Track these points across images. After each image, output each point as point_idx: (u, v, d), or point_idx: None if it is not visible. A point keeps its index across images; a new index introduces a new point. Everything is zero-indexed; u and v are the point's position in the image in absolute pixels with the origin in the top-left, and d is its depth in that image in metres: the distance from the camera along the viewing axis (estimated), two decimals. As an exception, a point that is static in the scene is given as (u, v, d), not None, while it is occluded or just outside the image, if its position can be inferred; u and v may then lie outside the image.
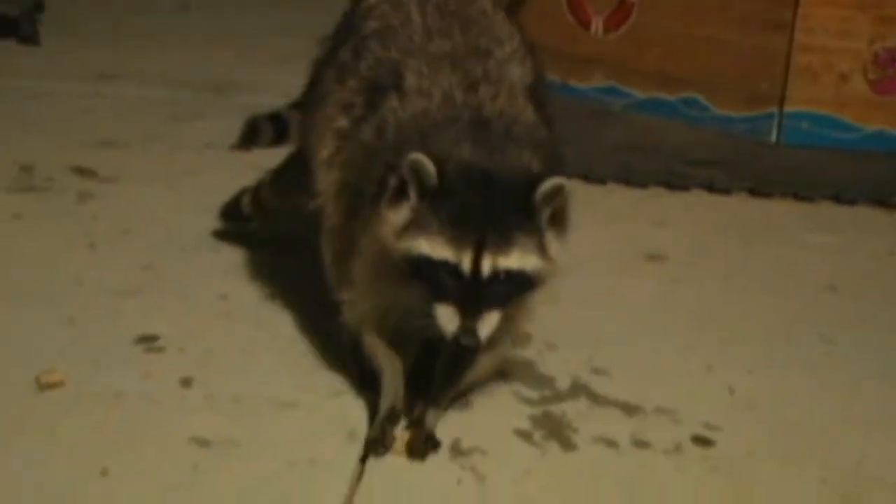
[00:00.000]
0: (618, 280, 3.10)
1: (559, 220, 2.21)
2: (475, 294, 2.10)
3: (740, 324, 2.88)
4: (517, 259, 2.12)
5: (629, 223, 3.57)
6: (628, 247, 3.36)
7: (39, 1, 5.27)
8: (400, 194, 2.16)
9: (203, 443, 2.19)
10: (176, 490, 2.05)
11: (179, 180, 3.65)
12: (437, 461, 2.20)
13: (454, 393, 2.36)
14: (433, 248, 2.11)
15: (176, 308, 2.75)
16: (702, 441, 2.32)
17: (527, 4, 4.06)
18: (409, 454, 2.21)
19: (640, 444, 2.30)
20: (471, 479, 2.14)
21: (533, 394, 2.47)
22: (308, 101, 2.72)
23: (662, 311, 2.93)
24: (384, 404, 2.29)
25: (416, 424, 2.27)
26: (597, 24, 4.84)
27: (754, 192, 3.91)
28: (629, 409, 2.43)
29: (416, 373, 2.38)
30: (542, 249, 2.16)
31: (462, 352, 2.19)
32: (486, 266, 2.09)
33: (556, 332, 2.72)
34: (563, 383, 2.52)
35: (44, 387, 2.35)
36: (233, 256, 3.08)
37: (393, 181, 2.17)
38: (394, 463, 2.19)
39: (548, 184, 2.12)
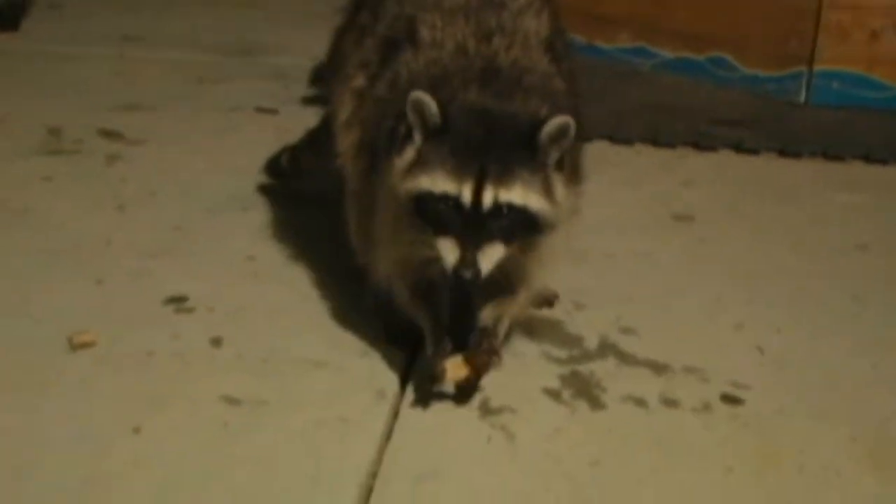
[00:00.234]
0: (646, 240, 3.09)
1: (568, 166, 2.21)
2: (476, 227, 2.09)
3: (769, 283, 2.86)
4: (520, 194, 2.11)
5: (657, 184, 3.56)
6: (656, 207, 3.35)
7: None
8: (407, 139, 2.17)
9: (233, 401, 2.21)
10: (207, 448, 2.06)
11: (206, 142, 3.67)
12: (467, 419, 2.21)
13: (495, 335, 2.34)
14: (434, 182, 2.11)
15: (204, 269, 2.77)
16: (731, 399, 2.32)
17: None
18: (457, 389, 2.23)
19: (669, 402, 2.30)
20: (500, 437, 2.15)
21: (561, 353, 2.47)
22: (330, 68, 2.72)
23: (690, 271, 2.92)
24: (429, 343, 2.28)
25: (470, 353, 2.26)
26: (624, -16, 4.81)
27: (783, 152, 3.89)
28: (658, 368, 2.43)
29: (452, 323, 2.36)
30: (547, 190, 2.15)
31: (463, 285, 2.17)
32: (488, 197, 2.09)
33: (584, 291, 2.72)
34: (592, 342, 2.52)
35: (76, 347, 2.37)
36: (260, 217, 3.09)
37: (402, 129, 2.18)
38: (423, 421, 2.19)
39: (553, 123, 2.12)
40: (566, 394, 2.31)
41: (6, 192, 3.15)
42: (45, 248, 2.82)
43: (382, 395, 2.26)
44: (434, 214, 2.12)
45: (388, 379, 2.32)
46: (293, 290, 2.68)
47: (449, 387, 2.25)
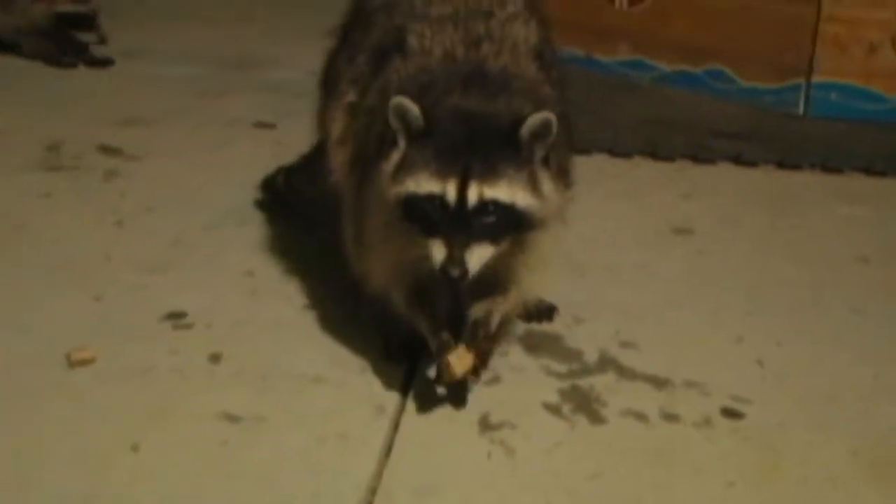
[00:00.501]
0: (645, 253, 3.08)
1: (555, 164, 2.21)
2: (463, 225, 2.10)
3: (769, 296, 2.86)
4: (505, 191, 2.11)
5: (656, 196, 3.55)
6: (655, 220, 3.34)
7: None
8: (393, 145, 2.18)
9: (232, 418, 2.20)
10: (206, 464, 2.06)
11: (204, 156, 3.67)
12: (467, 435, 2.20)
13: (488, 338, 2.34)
14: (419, 183, 2.12)
15: (203, 284, 2.76)
16: (731, 413, 2.31)
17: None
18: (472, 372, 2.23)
19: (670, 417, 2.29)
20: (500, 452, 2.14)
21: (561, 367, 2.46)
22: (322, 87, 2.72)
23: (690, 284, 2.91)
24: (432, 341, 2.27)
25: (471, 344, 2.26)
26: (621, -3, 4.82)
27: (782, 164, 3.88)
28: (658, 382, 2.42)
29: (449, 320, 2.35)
30: (534, 186, 2.15)
31: (450, 285, 2.17)
32: (472, 195, 2.09)
33: (583, 305, 2.72)
34: (591, 357, 2.51)
35: (74, 363, 2.36)
36: (258, 232, 3.09)
37: (388, 134, 2.18)
38: (423, 436, 2.19)
39: (535, 118, 2.12)
40: (566, 408, 2.31)
41: (5, 208, 3.15)
42: (43, 264, 2.81)
43: (382, 411, 2.26)
44: (421, 216, 2.13)
45: (388, 394, 2.32)
46: (291, 306, 2.68)
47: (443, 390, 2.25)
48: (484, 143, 2.12)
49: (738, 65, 4.53)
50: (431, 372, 2.35)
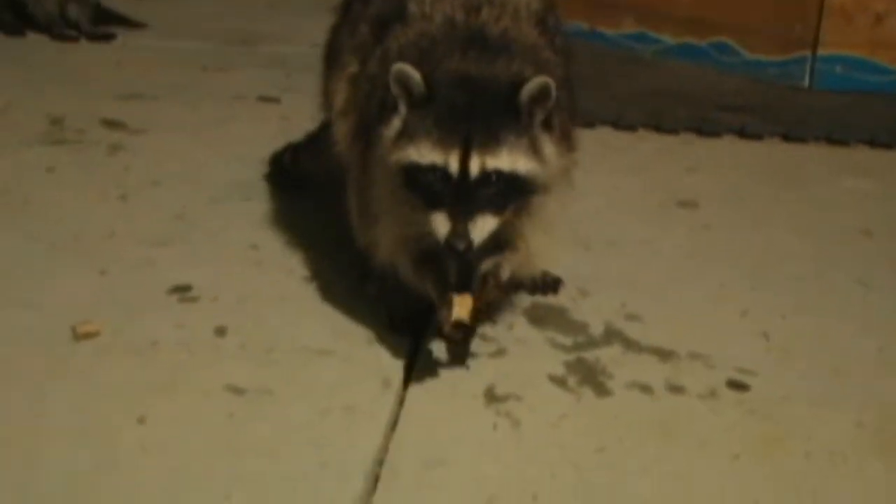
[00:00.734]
0: (650, 227, 3.08)
1: (557, 127, 2.21)
2: (466, 196, 2.09)
3: (774, 269, 2.86)
4: (507, 159, 2.11)
5: (660, 170, 3.55)
6: (660, 193, 3.34)
7: None
8: (393, 110, 2.17)
9: (238, 391, 2.20)
10: (212, 437, 2.06)
11: (208, 131, 3.66)
12: (472, 407, 2.20)
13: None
14: (420, 153, 2.12)
15: (208, 258, 2.76)
16: (737, 385, 2.31)
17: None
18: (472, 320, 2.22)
19: (675, 389, 2.29)
20: (506, 424, 2.15)
21: (567, 340, 2.46)
22: (325, 62, 2.71)
23: (695, 257, 2.91)
24: (439, 301, 2.26)
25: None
26: (626, -31, 4.80)
27: (787, 137, 3.88)
28: (663, 355, 2.42)
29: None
30: (535, 151, 2.15)
31: (456, 256, 2.15)
32: (475, 166, 2.09)
33: (588, 278, 2.72)
34: (597, 329, 2.51)
35: (80, 337, 2.36)
36: (263, 206, 3.09)
37: (390, 100, 2.18)
38: (429, 409, 2.19)
39: (533, 82, 2.11)
40: (572, 381, 2.31)
41: (8, 183, 3.15)
42: (48, 238, 2.81)
43: (388, 384, 2.26)
44: (423, 186, 2.13)
45: (394, 367, 2.32)
46: (297, 279, 2.68)
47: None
48: (484, 110, 2.11)
49: (743, 37, 4.52)
50: (436, 345, 2.36)
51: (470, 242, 2.09)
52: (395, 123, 2.17)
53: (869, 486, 2.03)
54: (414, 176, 2.14)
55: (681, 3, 4.65)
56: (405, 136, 2.15)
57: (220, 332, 2.42)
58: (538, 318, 2.55)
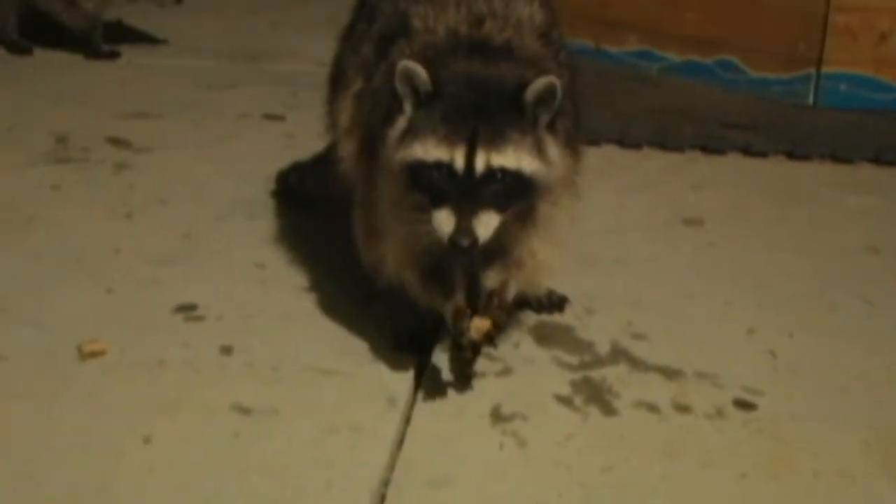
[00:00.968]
0: (655, 245, 3.08)
1: (562, 130, 2.21)
2: (471, 194, 2.09)
3: (780, 287, 2.85)
4: (512, 157, 2.11)
5: (666, 188, 3.55)
6: (665, 211, 3.34)
7: None
8: (398, 111, 2.17)
9: (244, 410, 2.20)
10: (218, 457, 2.06)
11: (213, 149, 3.67)
12: (478, 426, 2.20)
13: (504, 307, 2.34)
14: (426, 150, 2.11)
15: (213, 276, 2.76)
16: (743, 405, 2.30)
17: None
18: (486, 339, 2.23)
19: (682, 408, 2.29)
20: (512, 444, 2.14)
21: (573, 359, 2.46)
22: (330, 84, 2.71)
23: (701, 276, 2.91)
24: (446, 312, 2.26)
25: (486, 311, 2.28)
26: (631, -13, 4.81)
27: (792, 154, 3.88)
28: (670, 374, 2.41)
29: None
30: (539, 151, 2.15)
31: (460, 255, 2.15)
32: (480, 162, 2.09)
33: (594, 296, 2.71)
34: (603, 348, 2.51)
35: (86, 355, 2.36)
36: (268, 224, 3.09)
37: (395, 102, 2.18)
38: (435, 428, 2.19)
39: (539, 83, 2.12)
40: (578, 400, 2.30)
41: (15, 201, 3.15)
42: (53, 257, 2.82)
43: (394, 403, 2.25)
44: (428, 184, 2.12)
45: (399, 386, 2.32)
46: (302, 298, 2.68)
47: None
48: (489, 109, 2.11)
49: (747, 55, 4.52)
50: (442, 363, 2.36)
51: (475, 239, 2.08)
52: (400, 123, 2.17)
53: (877, 505, 2.02)
54: (419, 174, 2.13)
55: (686, 21, 4.65)
56: (410, 134, 2.15)
57: (226, 350, 2.42)
58: (544, 336, 2.54)
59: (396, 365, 2.38)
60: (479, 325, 2.22)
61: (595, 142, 3.70)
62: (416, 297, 2.36)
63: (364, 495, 1.97)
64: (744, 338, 2.60)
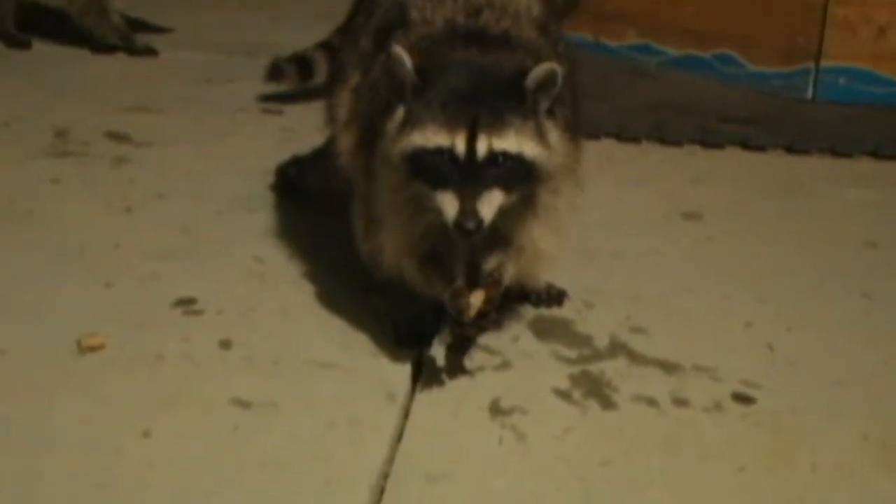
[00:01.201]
0: (654, 239, 3.08)
1: (562, 116, 2.22)
2: (473, 177, 2.09)
3: (778, 281, 2.85)
4: (514, 141, 2.11)
5: (664, 181, 3.55)
6: (664, 205, 3.34)
7: None
8: (398, 100, 2.17)
9: (243, 404, 2.20)
10: (217, 451, 2.06)
11: (213, 143, 3.67)
12: (477, 420, 2.20)
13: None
14: (426, 137, 2.12)
15: (212, 271, 2.76)
16: (742, 398, 2.31)
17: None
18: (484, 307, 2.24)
19: (680, 402, 2.29)
20: (511, 437, 2.15)
21: (571, 353, 2.46)
22: (329, 80, 2.71)
23: (699, 269, 2.91)
24: (446, 293, 2.26)
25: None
26: (629, -19, 4.81)
27: (790, 148, 3.88)
28: (668, 368, 2.42)
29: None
30: (540, 136, 2.16)
31: (465, 238, 2.15)
32: (482, 146, 2.09)
33: (593, 290, 2.72)
34: (602, 342, 2.51)
35: (85, 350, 2.36)
36: (267, 218, 3.09)
37: (394, 91, 2.18)
38: (434, 422, 2.19)
39: (539, 69, 2.12)
40: (577, 394, 2.31)
41: (14, 195, 3.16)
42: (53, 251, 2.82)
43: (393, 397, 2.26)
44: (430, 170, 2.12)
45: (399, 380, 2.32)
46: (301, 292, 2.68)
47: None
48: (490, 95, 2.12)
49: (746, 49, 4.52)
50: (440, 356, 2.37)
51: (480, 221, 2.09)
52: (399, 113, 2.17)
53: (875, 499, 2.03)
54: (420, 161, 2.13)
55: (684, 15, 4.65)
56: (410, 122, 2.15)
57: (225, 345, 2.42)
58: (543, 330, 2.55)
59: (396, 359, 2.38)
60: (472, 301, 2.22)
61: (594, 135, 3.70)
62: (416, 286, 2.36)
63: (363, 489, 1.97)
64: (742, 331, 2.60)
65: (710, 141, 3.90)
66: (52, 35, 4.83)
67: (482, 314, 2.25)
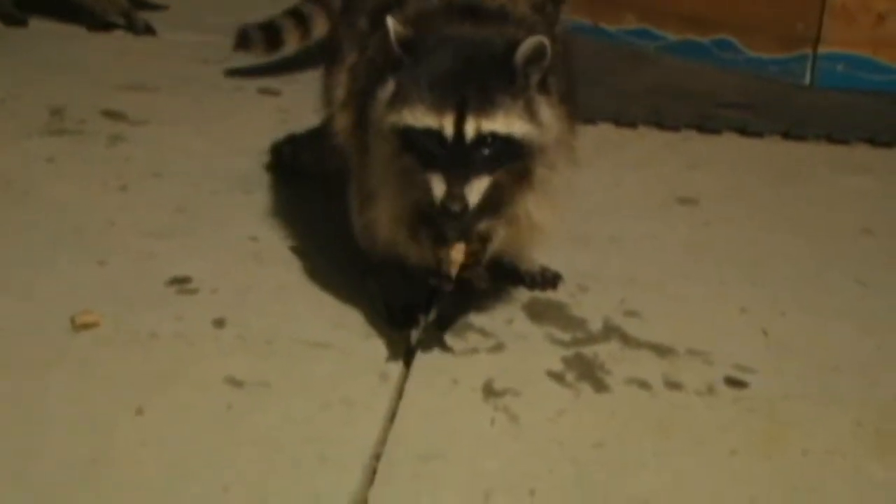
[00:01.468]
0: (650, 223, 3.08)
1: (555, 89, 2.21)
2: (461, 159, 2.09)
3: (773, 266, 2.85)
4: (503, 122, 2.10)
5: (661, 166, 3.54)
6: (660, 190, 3.33)
7: None
8: (392, 70, 2.17)
9: (237, 383, 2.20)
10: (211, 429, 2.06)
11: (209, 123, 3.66)
12: (471, 401, 2.20)
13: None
14: (415, 116, 2.11)
15: (208, 250, 2.76)
16: (735, 383, 2.31)
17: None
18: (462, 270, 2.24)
19: (673, 385, 2.29)
20: (504, 419, 2.15)
21: (565, 336, 2.46)
22: (326, 62, 2.70)
23: (695, 254, 2.91)
24: (435, 257, 2.26)
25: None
26: (628, -35, 4.80)
27: (787, 134, 3.87)
28: (662, 351, 2.42)
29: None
30: (530, 114, 2.14)
31: (452, 218, 2.14)
32: (470, 129, 2.08)
33: (588, 274, 2.72)
34: (596, 325, 2.51)
35: (79, 327, 2.36)
36: (263, 198, 3.08)
37: (387, 62, 2.18)
38: (427, 403, 2.19)
39: (527, 43, 2.10)
40: (570, 376, 2.31)
41: (9, 173, 3.15)
42: (47, 229, 2.81)
43: (386, 377, 2.26)
44: (419, 148, 2.12)
45: (392, 360, 2.32)
46: (296, 272, 2.68)
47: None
48: (478, 73, 2.11)
49: (744, 35, 4.51)
50: (433, 337, 2.37)
51: (466, 205, 2.09)
52: (390, 85, 2.17)
53: (867, 484, 2.03)
54: (409, 138, 2.13)
55: (683, 0, 4.64)
56: (400, 98, 2.14)
57: (219, 324, 2.42)
58: (537, 313, 2.55)
59: (389, 339, 2.39)
60: (453, 254, 2.22)
61: (591, 120, 3.70)
62: (409, 256, 2.35)
63: (356, 468, 1.98)
64: (736, 316, 2.60)
65: (707, 126, 3.89)
66: (49, 13, 4.81)
67: (465, 267, 2.24)
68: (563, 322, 2.52)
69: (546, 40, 2.11)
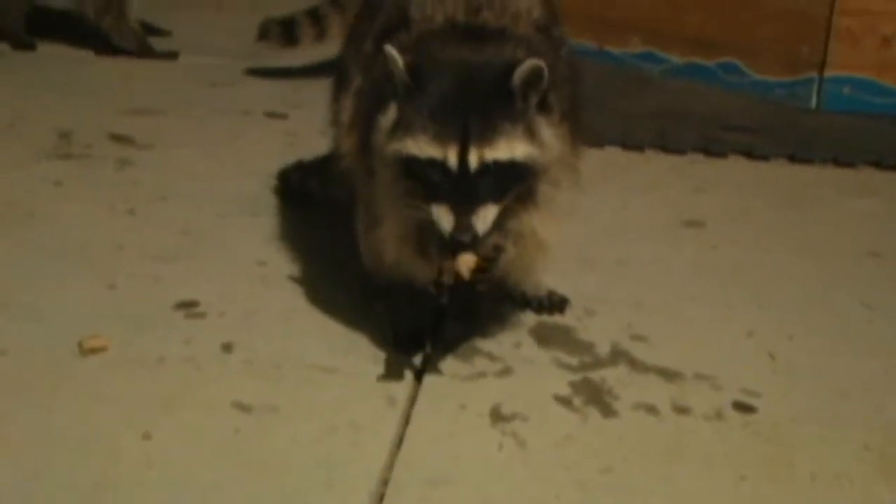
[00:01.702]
0: (657, 246, 3.08)
1: (557, 108, 2.21)
2: (467, 189, 2.10)
3: (780, 290, 2.85)
4: (505, 149, 2.11)
5: (667, 190, 3.55)
6: (667, 213, 3.33)
7: None
8: (394, 96, 2.17)
9: (244, 408, 2.20)
10: (218, 454, 2.06)
11: (216, 146, 3.67)
12: (478, 426, 2.20)
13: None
14: (419, 146, 2.12)
15: (215, 273, 2.76)
16: (743, 407, 2.31)
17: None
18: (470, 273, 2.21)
19: (681, 410, 2.29)
20: (512, 444, 2.14)
21: (572, 360, 2.46)
22: (333, 86, 2.71)
23: (701, 278, 2.91)
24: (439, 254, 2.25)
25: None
26: (634, -11, 4.81)
27: (794, 158, 3.87)
28: (669, 376, 2.42)
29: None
30: (531, 135, 2.15)
31: (461, 248, 2.15)
32: (473, 159, 2.09)
33: (595, 298, 2.72)
34: (603, 349, 2.51)
35: (86, 351, 2.36)
36: (270, 221, 3.09)
37: (387, 89, 2.18)
38: (434, 428, 2.19)
39: (524, 66, 2.11)
40: (577, 401, 2.31)
41: (16, 197, 3.16)
42: (55, 252, 2.82)
43: (393, 402, 2.26)
44: (423, 178, 2.13)
45: (399, 385, 2.32)
46: (303, 296, 2.68)
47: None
48: (478, 99, 2.11)
49: (750, 58, 4.52)
50: (441, 362, 2.38)
51: (476, 235, 2.10)
52: (391, 111, 2.18)
53: (875, 509, 2.03)
54: (413, 167, 2.14)
55: (689, 23, 4.65)
56: (402, 127, 2.15)
57: (227, 348, 2.42)
58: (544, 337, 2.55)
59: (397, 364, 2.38)
60: (466, 260, 2.19)
61: (597, 143, 3.70)
62: (417, 274, 2.34)
63: (363, 494, 1.97)
64: (743, 340, 2.60)
65: (713, 149, 3.90)
66: (57, 37, 4.83)
67: (478, 270, 2.21)
68: (570, 346, 2.52)
69: (542, 63, 2.11)
